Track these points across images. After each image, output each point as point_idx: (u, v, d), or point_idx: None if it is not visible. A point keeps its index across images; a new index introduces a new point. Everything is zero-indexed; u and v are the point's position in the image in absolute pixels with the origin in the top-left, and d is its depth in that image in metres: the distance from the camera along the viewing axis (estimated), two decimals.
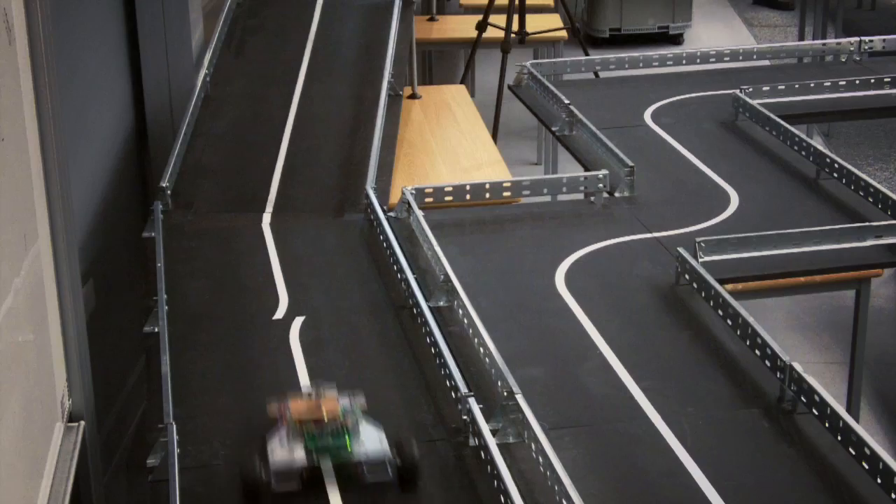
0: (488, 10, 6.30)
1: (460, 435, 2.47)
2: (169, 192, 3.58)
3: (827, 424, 2.43)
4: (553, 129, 4.17)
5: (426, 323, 2.80)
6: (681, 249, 3.10)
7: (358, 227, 3.45)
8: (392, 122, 4.07)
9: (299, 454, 2.27)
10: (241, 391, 2.67)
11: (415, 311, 2.92)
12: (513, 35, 6.30)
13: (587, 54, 6.31)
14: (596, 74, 5.61)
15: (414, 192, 3.49)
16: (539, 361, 2.76)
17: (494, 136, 6.05)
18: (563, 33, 6.49)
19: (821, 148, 3.75)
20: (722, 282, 2.95)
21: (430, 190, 3.55)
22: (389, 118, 4.05)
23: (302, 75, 4.39)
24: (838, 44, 4.91)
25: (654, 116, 4.31)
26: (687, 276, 3.06)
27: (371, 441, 2.32)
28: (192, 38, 4.56)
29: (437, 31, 6.65)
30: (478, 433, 2.40)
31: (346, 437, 2.30)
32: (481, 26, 6.34)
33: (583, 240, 3.36)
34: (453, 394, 2.56)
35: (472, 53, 6.59)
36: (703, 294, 2.97)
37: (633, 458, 2.42)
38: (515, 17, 6.29)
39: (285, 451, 2.28)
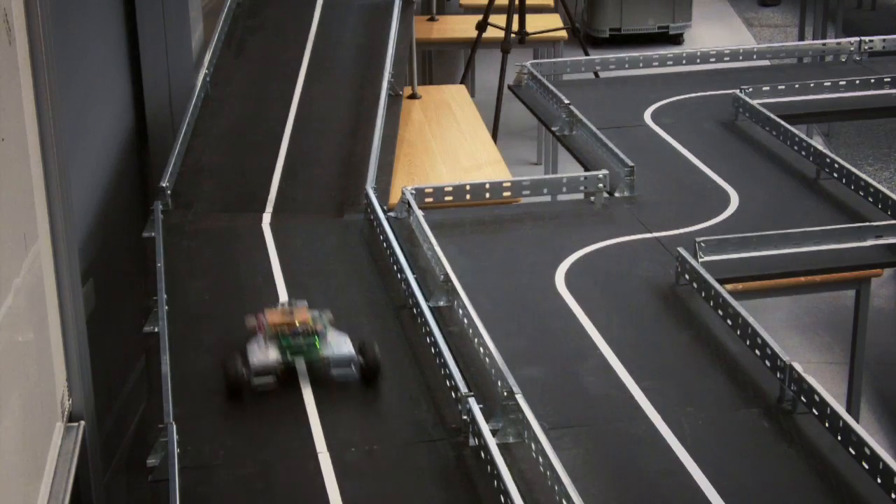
0: (488, 10, 6.30)
1: (460, 435, 2.47)
2: (169, 191, 3.58)
3: (827, 424, 2.43)
4: (553, 129, 4.17)
5: (426, 323, 2.80)
6: (681, 249, 3.10)
7: (358, 227, 3.45)
8: (392, 122, 4.07)
9: (274, 354, 2.60)
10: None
11: (415, 310, 2.92)
12: (513, 35, 6.30)
13: (587, 54, 6.31)
14: (596, 74, 5.61)
15: (414, 192, 3.49)
16: (539, 361, 2.76)
17: (494, 136, 6.05)
18: (563, 33, 6.49)
19: (821, 148, 3.75)
20: (722, 282, 2.95)
21: (430, 190, 3.55)
22: (389, 118, 4.05)
23: (302, 75, 4.39)
24: (838, 44, 4.91)
25: (655, 116, 4.31)
26: (687, 276, 3.06)
27: (337, 344, 2.64)
28: (192, 38, 4.56)
29: (437, 31, 6.65)
30: (478, 433, 2.40)
31: (316, 338, 2.62)
32: (481, 26, 6.34)
33: (583, 240, 3.36)
34: (453, 394, 2.56)
35: (472, 53, 6.59)
36: (703, 294, 2.97)
37: (633, 458, 2.42)
38: (515, 17, 6.29)
39: (263, 352, 2.61)
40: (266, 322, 2.65)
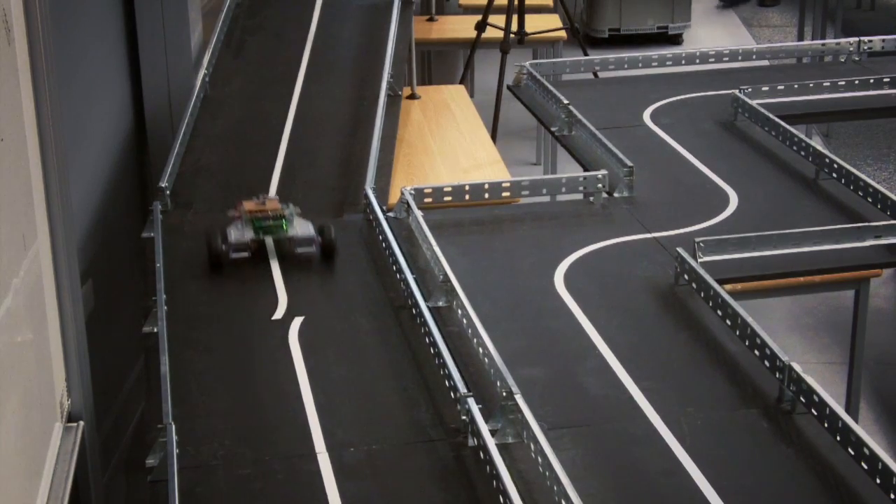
0: (487, 10, 6.30)
1: (459, 435, 2.47)
2: (168, 192, 3.58)
3: (826, 425, 2.43)
4: (552, 129, 4.17)
5: (425, 323, 2.80)
6: (680, 249, 3.10)
7: (357, 228, 3.45)
8: (391, 123, 4.07)
9: (249, 233, 3.17)
10: (241, 391, 2.67)
11: (414, 311, 2.92)
12: (512, 35, 6.29)
13: (586, 54, 6.31)
14: (595, 75, 5.61)
15: (413, 192, 3.49)
16: (538, 361, 2.76)
17: (494, 136, 6.05)
18: (562, 33, 6.49)
19: (820, 148, 3.75)
20: (721, 282, 2.94)
21: (430, 190, 3.55)
22: (389, 118, 4.05)
23: (301, 75, 4.39)
24: (838, 44, 4.91)
25: (654, 116, 4.31)
26: (686, 277, 3.06)
27: (301, 226, 3.20)
28: (191, 39, 4.56)
29: (436, 32, 6.66)
30: (477, 433, 2.40)
31: (283, 221, 3.20)
32: (480, 26, 6.34)
33: (582, 240, 3.36)
34: (452, 394, 2.56)
35: (472, 54, 6.59)
36: (702, 294, 2.97)
37: (632, 458, 2.42)
38: (514, 18, 6.29)
39: (239, 232, 3.18)
40: (243, 210, 3.20)
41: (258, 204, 3.21)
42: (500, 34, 6.29)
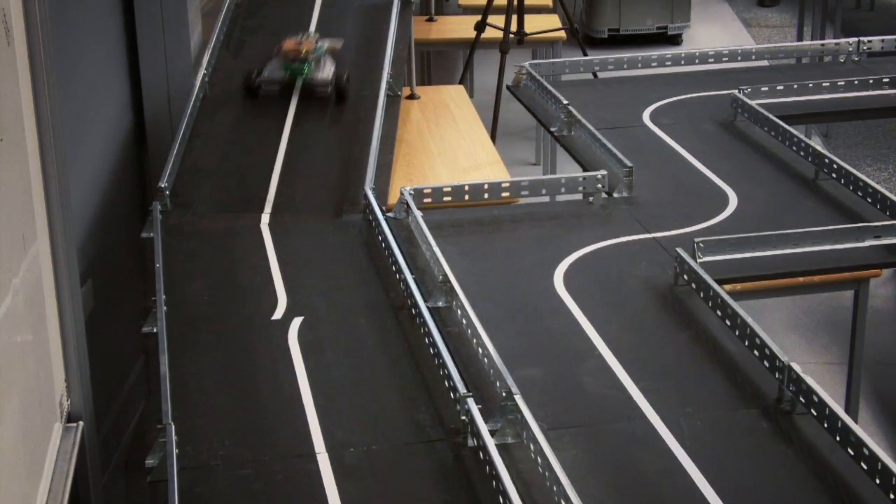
0: (487, 10, 6.30)
1: (459, 435, 2.47)
2: (167, 192, 3.58)
3: (826, 425, 2.43)
4: (552, 129, 4.17)
5: (425, 323, 2.80)
6: (679, 250, 3.10)
7: (356, 228, 3.46)
8: (391, 123, 4.07)
9: (280, 73, 3.82)
10: (240, 391, 2.67)
11: (413, 311, 2.92)
12: (511, 35, 6.29)
13: (585, 54, 6.31)
14: (595, 75, 5.61)
15: (412, 192, 3.49)
16: (538, 362, 2.76)
17: (493, 136, 6.05)
18: (562, 34, 6.49)
19: (819, 148, 3.75)
20: (720, 282, 2.95)
21: (429, 190, 3.55)
22: (388, 118, 4.05)
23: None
24: (837, 44, 4.91)
25: (653, 117, 4.31)
26: (685, 277, 3.06)
27: (323, 71, 3.83)
28: (190, 39, 4.56)
29: (435, 32, 6.66)
30: (476, 433, 2.40)
31: (305, 66, 3.82)
32: (480, 27, 6.34)
33: (581, 240, 3.36)
34: (452, 394, 2.56)
35: (471, 54, 6.59)
36: (701, 294, 2.97)
37: (632, 459, 2.42)
38: (514, 18, 6.29)
39: (273, 69, 3.82)
40: (282, 48, 3.80)
41: (296, 43, 3.80)
42: (500, 34, 6.29)
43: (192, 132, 3.99)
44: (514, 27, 6.31)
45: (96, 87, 4.07)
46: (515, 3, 6.27)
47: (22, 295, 2.30)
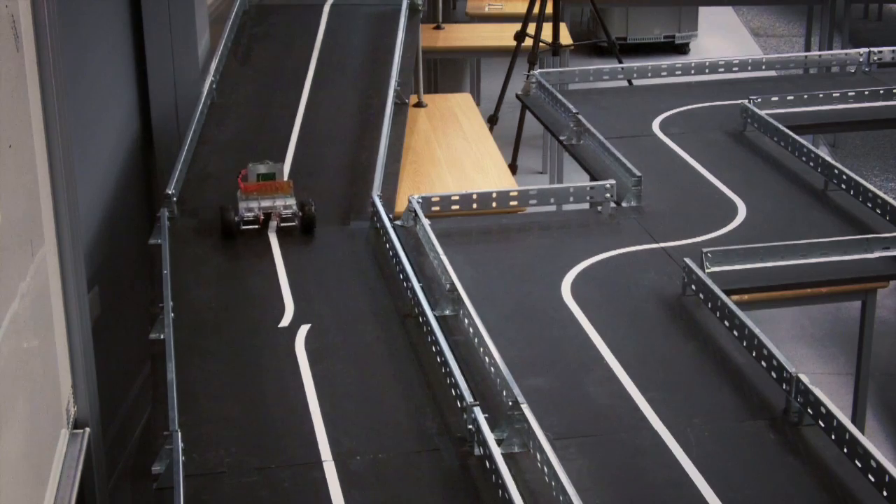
0: (527, 19, 6.20)
1: (465, 444, 2.46)
2: (175, 199, 3.58)
3: (833, 436, 2.43)
4: (561, 138, 4.17)
5: (432, 332, 2.80)
6: (687, 260, 3.09)
7: (364, 236, 3.45)
8: (398, 131, 4.08)
9: (255, 210, 3.50)
10: (247, 399, 2.67)
11: (420, 319, 2.92)
12: (545, 45, 6.18)
13: (620, 62, 6.16)
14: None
15: (420, 200, 3.49)
16: (544, 371, 2.76)
17: (516, 148, 6.00)
18: (570, 43, 6.45)
19: (829, 159, 3.75)
20: (728, 292, 2.94)
21: (437, 199, 3.55)
22: (395, 126, 4.05)
23: (308, 83, 4.39)
24: (847, 54, 4.91)
25: (663, 126, 4.31)
26: (693, 287, 3.05)
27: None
28: (198, 46, 4.56)
29: (443, 40, 6.65)
30: (483, 442, 2.39)
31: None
32: (519, 37, 6.26)
33: (589, 250, 3.36)
34: (458, 403, 2.55)
35: (512, 63, 6.38)
36: (709, 305, 2.96)
37: (639, 469, 2.41)
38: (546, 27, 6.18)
39: (247, 207, 3.50)
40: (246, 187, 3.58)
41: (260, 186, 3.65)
42: (519, 43, 6.21)
43: (200, 139, 3.99)
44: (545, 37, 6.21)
45: (104, 93, 4.07)
46: (551, 13, 6.17)
47: (29, 300, 2.30)
